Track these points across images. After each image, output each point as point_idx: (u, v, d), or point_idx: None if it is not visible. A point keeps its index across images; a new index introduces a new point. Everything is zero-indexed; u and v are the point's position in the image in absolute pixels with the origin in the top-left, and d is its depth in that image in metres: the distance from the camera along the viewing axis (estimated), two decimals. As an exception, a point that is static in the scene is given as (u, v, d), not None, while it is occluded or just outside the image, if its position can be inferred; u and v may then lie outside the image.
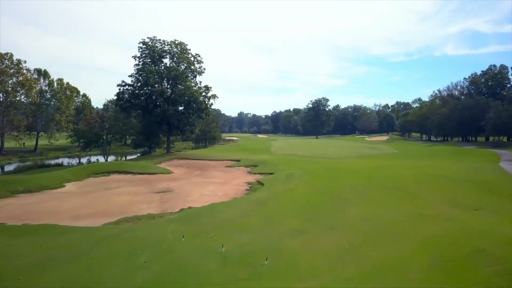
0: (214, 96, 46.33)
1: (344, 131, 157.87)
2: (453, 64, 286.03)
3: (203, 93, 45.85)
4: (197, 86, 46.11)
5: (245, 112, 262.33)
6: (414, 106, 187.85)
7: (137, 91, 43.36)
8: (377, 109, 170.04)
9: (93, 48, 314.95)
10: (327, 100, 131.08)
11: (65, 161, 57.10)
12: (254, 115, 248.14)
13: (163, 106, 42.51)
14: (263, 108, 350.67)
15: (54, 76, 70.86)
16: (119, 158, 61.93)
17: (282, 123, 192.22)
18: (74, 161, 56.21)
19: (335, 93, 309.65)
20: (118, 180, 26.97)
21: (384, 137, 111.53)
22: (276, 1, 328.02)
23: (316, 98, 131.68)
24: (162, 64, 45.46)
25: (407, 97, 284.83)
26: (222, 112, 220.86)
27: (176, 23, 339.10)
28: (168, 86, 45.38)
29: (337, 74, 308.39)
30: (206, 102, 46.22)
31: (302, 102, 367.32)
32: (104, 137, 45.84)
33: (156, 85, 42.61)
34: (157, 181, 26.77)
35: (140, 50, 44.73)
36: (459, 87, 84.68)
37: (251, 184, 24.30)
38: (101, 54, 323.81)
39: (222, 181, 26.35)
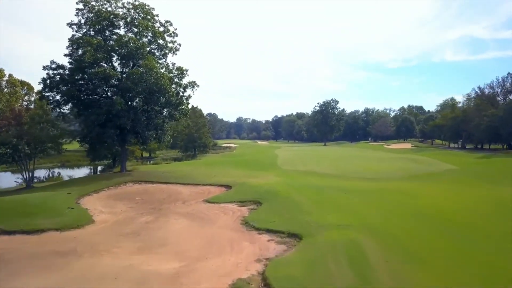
0: (192, 85, 30.20)
1: (354, 137, 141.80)
2: (452, 70, 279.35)
3: (175, 79, 29.76)
4: (165, 69, 30.05)
5: (244, 117, 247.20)
6: (427, 110, 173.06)
7: (67, 77, 27.22)
8: (387, 112, 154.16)
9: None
10: (337, 102, 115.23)
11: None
12: (253, 120, 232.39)
13: (108, 99, 26.44)
14: (262, 113, 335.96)
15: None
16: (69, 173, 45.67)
17: (284, 128, 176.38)
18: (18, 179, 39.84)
19: (334, 98, 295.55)
20: None
21: (406, 145, 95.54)
22: (274, 6, 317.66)
23: (324, 100, 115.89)
24: (115, 36, 29.45)
25: (406, 102, 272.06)
26: (220, 117, 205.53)
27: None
28: (125, 70, 29.24)
29: (335, 79, 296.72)
30: (181, 93, 30.12)
31: (301, 107, 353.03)
32: (26, 148, 29.50)
33: (98, 65, 26.56)
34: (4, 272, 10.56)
35: (80, 13, 28.79)
36: (508, 84, 68.72)
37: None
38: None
39: (172, 273, 10.12)
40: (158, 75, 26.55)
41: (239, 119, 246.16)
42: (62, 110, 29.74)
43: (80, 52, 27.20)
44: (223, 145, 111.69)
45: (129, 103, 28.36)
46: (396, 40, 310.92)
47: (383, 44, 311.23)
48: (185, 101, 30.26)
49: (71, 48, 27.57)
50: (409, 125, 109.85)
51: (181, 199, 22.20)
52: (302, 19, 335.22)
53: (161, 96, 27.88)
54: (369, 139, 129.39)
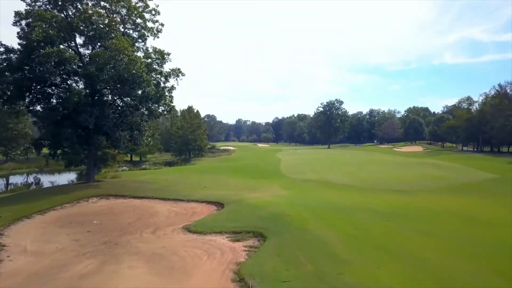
0: (176, 73, 23.98)
1: (358, 139, 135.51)
2: (452, 73, 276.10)
3: (154, 65, 23.62)
4: (144, 54, 23.92)
5: (243, 119, 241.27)
6: (433, 112, 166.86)
7: (16, 62, 21.03)
8: (393, 113, 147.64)
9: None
10: (341, 102, 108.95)
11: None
12: (253, 122, 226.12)
13: (63, 88, 20.32)
14: (262, 115, 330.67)
15: None
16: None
17: (285, 130, 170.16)
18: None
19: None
20: None
21: (416, 147, 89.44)
22: (274, 10, 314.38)
23: (328, 100, 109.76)
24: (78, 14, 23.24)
25: (406, 106, 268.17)
26: (219, 119, 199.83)
27: (172, 30, 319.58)
28: (88, 52, 22.93)
29: (335, 82, 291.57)
30: (162, 82, 23.99)
31: (301, 110, 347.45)
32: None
33: (52, 45, 20.37)
34: None
35: (34, -18, 22.64)
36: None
37: None
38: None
39: None
40: (130, 57, 20.36)
41: (238, 121, 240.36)
42: (13, 105, 23.57)
43: (23, 26, 21.14)
44: (221, 147, 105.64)
45: (97, 96, 22.23)
46: (396, 43, 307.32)
47: (382, 47, 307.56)
48: (167, 93, 24.09)
49: (19, 24, 21.46)
50: (417, 127, 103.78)
51: (154, 224, 16.04)
52: (301, 22, 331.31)
53: (136, 86, 21.69)
54: (375, 141, 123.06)
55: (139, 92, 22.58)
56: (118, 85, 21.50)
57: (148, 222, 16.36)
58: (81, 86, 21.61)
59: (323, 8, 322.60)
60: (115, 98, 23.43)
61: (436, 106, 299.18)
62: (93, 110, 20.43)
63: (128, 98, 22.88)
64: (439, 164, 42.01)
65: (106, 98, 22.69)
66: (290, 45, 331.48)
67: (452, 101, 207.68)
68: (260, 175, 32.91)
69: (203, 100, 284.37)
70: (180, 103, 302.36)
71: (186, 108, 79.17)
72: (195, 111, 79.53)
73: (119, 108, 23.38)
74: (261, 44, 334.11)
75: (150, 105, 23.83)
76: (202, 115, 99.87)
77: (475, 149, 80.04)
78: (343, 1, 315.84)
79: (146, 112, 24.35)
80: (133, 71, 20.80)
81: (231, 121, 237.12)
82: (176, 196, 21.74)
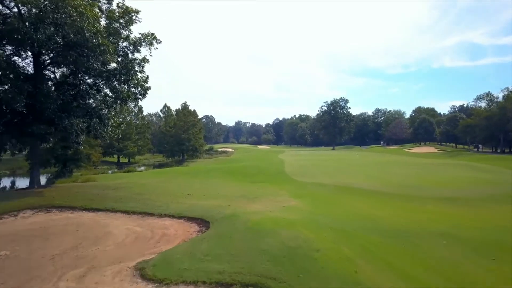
0: (149, 40, 17.62)
1: (363, 140, 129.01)
2: (451, 76, 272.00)
3: (117, 26, 17.30)
4: (106, 19, 17.59)
5: (243, 121, 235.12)
6: (439, 113, 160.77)
7: None
8: (401, 112, 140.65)
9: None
10: (347, 101, 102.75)
11: None
12: (253, 124, 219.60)
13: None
14: (262, 117, 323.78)
15: None
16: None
17: (286, 132, 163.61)
18: None
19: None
20: None
21: (428, 148, 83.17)
22: (274, 13, 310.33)
23: (332, 99, 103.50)
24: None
25: (407, 109, 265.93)
26: (218, 121, 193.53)
27: (172, 31, 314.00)
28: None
29: (335, 86, 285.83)
30: (130, 53, 17.69)
31: (301, 113, 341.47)
32: None
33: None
34: None
35: None
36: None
37: None
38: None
39: None
40: (79, 10, 14.07)
41: (238, 122, 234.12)
42: None
43: None
44: (220, 149, 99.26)
45: (43, 69, 15.97)
46: (395, 46, 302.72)
47: (382, 50, 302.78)
48: (137, 68, 17.77)
49: None
50: (428, 127, 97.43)
51: (92, 258, 9.68)
52: (301, 24, 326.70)
53: (90, 52, 15.32)
54: (381, 142, 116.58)
55: (97, 64, 16.22)
56: (61, 50, 15.12)
57: (85, 255, 9.99)
58: (8, 52, 15.25)
59: (322, 11, 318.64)
60: (69, 73, 17.10)
61: (437, 108, 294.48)
62: (23, 86, 14.13)
63: (81, 73, 16.56)
64: (474, 166, 35.75)
65: (48, 70, 16.34)
66: (290, 48, 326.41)
67: (452, 104, 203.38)
68: (262, 178, 26.65)
69: (202, 102, 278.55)
70: (178, 105, 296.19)
71: (182, 105, 72.86)
72: (191, 109, 73.20)
73: (74, 87, 17.06)
74: (260, 47, 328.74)
75: (116, 84, 17.50)
76: (200, 116, 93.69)
77: (492, 150, 73.80)
78: (342, 4, 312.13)
79: (111, 94, 18.02)
80: (83, 30, 14.48)
81: (231, 123, 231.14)
82: (146, 208, 15.41)
